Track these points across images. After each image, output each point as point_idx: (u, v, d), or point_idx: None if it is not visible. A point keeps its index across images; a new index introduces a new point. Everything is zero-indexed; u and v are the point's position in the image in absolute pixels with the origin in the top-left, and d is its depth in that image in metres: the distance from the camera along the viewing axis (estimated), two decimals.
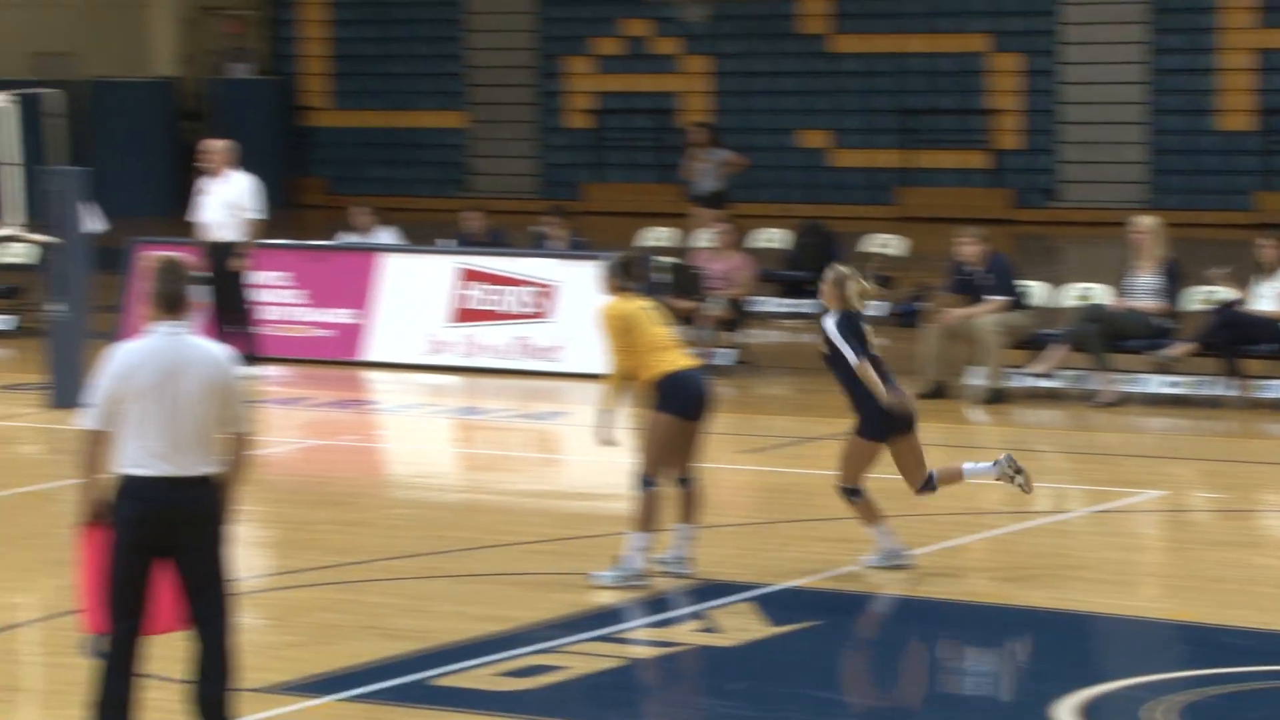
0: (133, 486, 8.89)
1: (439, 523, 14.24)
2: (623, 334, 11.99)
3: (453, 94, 37.88)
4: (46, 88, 20.93)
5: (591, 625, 11.38)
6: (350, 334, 20.64)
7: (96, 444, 8.94)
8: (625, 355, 12.01)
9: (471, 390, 19.71)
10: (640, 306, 12.12)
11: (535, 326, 20.20)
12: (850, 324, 12.21)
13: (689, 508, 12.32)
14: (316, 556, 13.13)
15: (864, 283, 12.44)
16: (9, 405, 18.67)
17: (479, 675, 10.46)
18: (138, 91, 36.63)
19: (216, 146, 19.94)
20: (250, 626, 11.03)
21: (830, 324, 12.24)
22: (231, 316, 19.41)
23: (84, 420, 8.96)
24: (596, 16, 36.87)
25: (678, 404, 12.03)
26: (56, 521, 13.44)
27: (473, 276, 20.50)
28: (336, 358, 20.53)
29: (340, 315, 20.70)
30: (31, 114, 20.35)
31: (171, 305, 8.94)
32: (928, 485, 12.53)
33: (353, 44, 38.44)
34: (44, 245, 18.81)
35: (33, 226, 19.39)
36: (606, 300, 12.14)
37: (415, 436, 17.94)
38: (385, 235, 21.79)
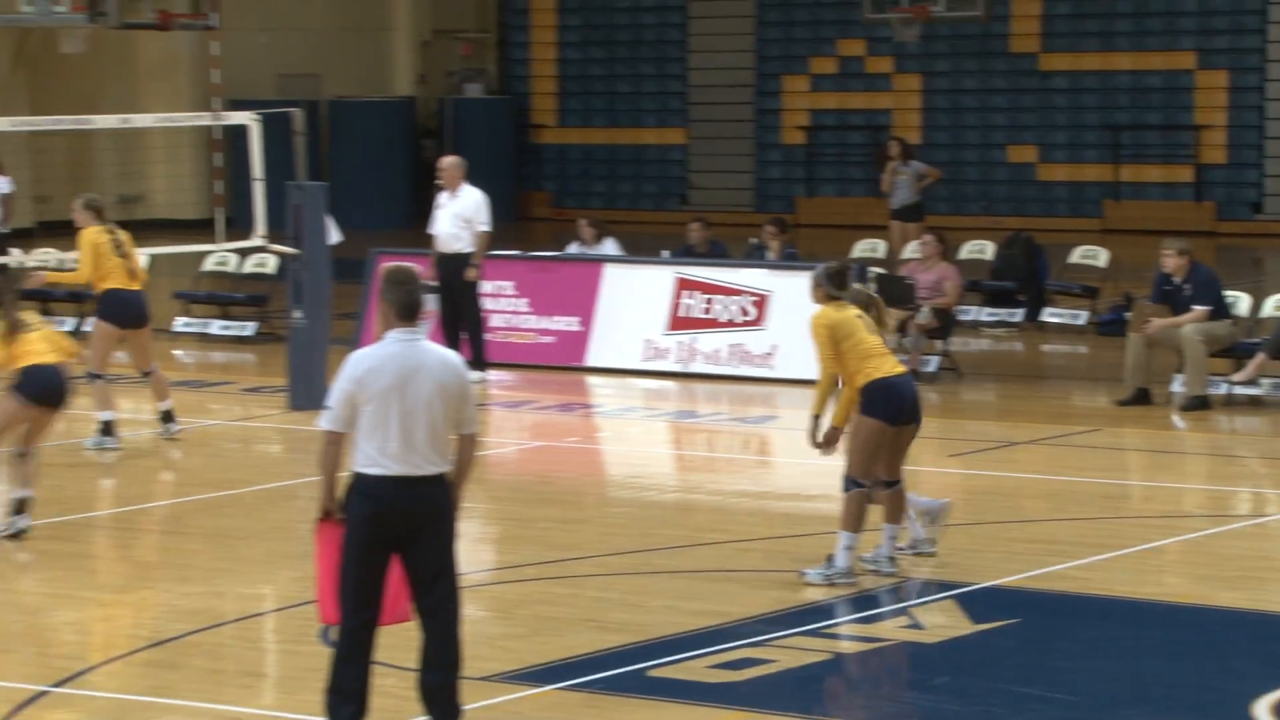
0: (366, 485, 9.01)
1: (654, 521, 14.27)
2: (833, 342, 11.94)
3: (674, 112, 37.98)
4: (291, 107, 21.22)
5: (800, 621, 11.36)
6: (572, 341, 20.77)
7: (334, 445, 9.08)
8: (836, 362, 11.98)
9: (687, 395, 19.75)
10: (851, 315, 12.06)
11: (749, 334, 20.19)
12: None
13: (894, 509, 12.27)
14: (538, 552, 13.22)
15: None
16: (252, 407, 18.99)
17: (692, 667, 10.47)
18: (377, 110, 37.10)
19: (449, 163, 20.09)
20: (475, 618, 11.14)
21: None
22: (465, 325, 19.60)
23: (323, 422, 9.10)
24: (814, 37, 36.81)
25: (886, 409, 11.99)
26: (295, 516, 13.66)
27: (689, 286, 20.54)
28: (559, 363, 20.66)
29: (563, 323, 20.83)
30: (276, 132, 20.65)
31: (406, 313, 9.07)
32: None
33: (580, 65, 38.67)
34: (286, 256, 19.09)
35: (276, 238, 19.68)
36: (818, 309, 12.11)
37: (633, 439, 18.00)
38: (609, 246, 21.90)
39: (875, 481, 12.15)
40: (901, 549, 12.41)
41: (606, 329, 20.72)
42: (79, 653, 11.14)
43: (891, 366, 12.07)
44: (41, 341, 13.47)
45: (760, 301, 20.24)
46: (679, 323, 20.45)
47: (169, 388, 16.94)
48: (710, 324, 20.34)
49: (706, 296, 20.44)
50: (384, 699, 9.34)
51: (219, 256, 23.56)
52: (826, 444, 12.15)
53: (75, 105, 31.43)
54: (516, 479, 15.98)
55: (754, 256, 21.62)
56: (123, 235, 16.57)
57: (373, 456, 8.97)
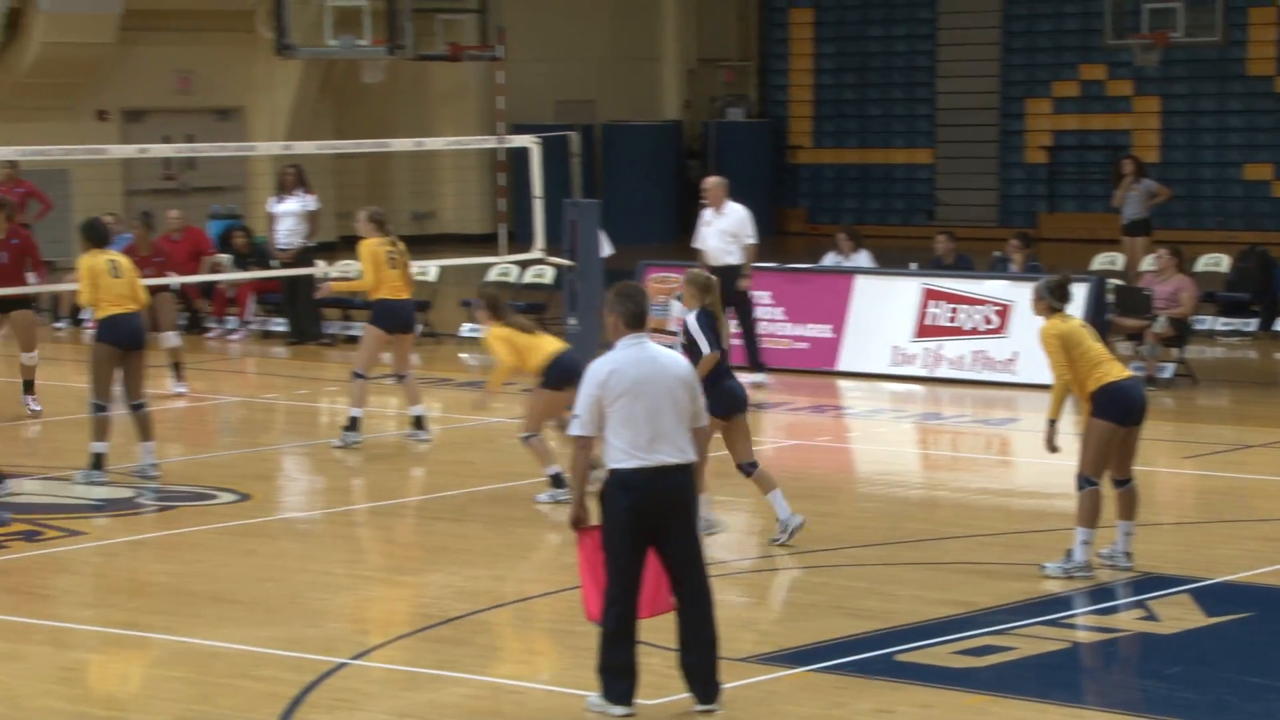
0: (623, 478, 9.07)
1: (901, 515, 14.19)
2: (1064, 350, 11.80)
3: (922, 133, 37.72)
4: (568, 131, 21.45)
5: (1039, 611, 11.23)
6: (825, 346, 20.72)
7: (585, 449, 9.17)
8: (1067, 369, 11.81)
9: (932, 398, 19.60)
10: (1076, 325, 11.93)
11: (992, 341, 20.00)
12: (708, 320, 12.63)
13: (1127, 506, 12.06)
14: (792, 542, 13.20)
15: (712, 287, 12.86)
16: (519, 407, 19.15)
17: (936, 653, 10.40)
18: (646, 133, 37.31)
19: (713, 182, 20.11)
20: (733, 603, 11.18)
21: (691, 320, 12.63)
22: (740, 331, 19.60)
23: (574, 429, 9.20)
24: (1056, 62, 36.34)
25: (1117, 412, 11.81)
26: (553, 509, 13.81)
27: (936, 296, 20.40)
28: (812, 367, 20.62)
29: (817, 330, 20.78)
30: (554, 154, 20.88)
31: (634, 322, 9.20)
32: (751, 468, 12.74)
33: (834, 90, 38.56)
34: (562, 267, 19.28)
35: (553, 251, 19.89)
36: (1047, 320, 11.94)
37: (881, 439, 17.90)
38: (861, 258, 21.83)
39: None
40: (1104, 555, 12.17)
41: (857, 336, 20.65)
42: (376, 628, 11.35)
43: (1120, 371, 11.91)
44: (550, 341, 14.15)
45: (1003, 311, 20.04)
46: (925, 330, 20.32)
47: (420, 394, 17.04)
48: (955, 331, 20.19)
49: (952, 306, 20.29)
50: (649, 676, 9.40)
51: (501, 267, 23.85)
52: (1049, 440, 11.96)
53: (374, 130, 32.09)
54: (774, 475, 15.94)
55: (998, 268, 21.42)
56: (400, 248, 16.74)
57: (627, 450, 9.05)
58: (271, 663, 10.28)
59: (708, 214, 19.87)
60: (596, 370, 9.17)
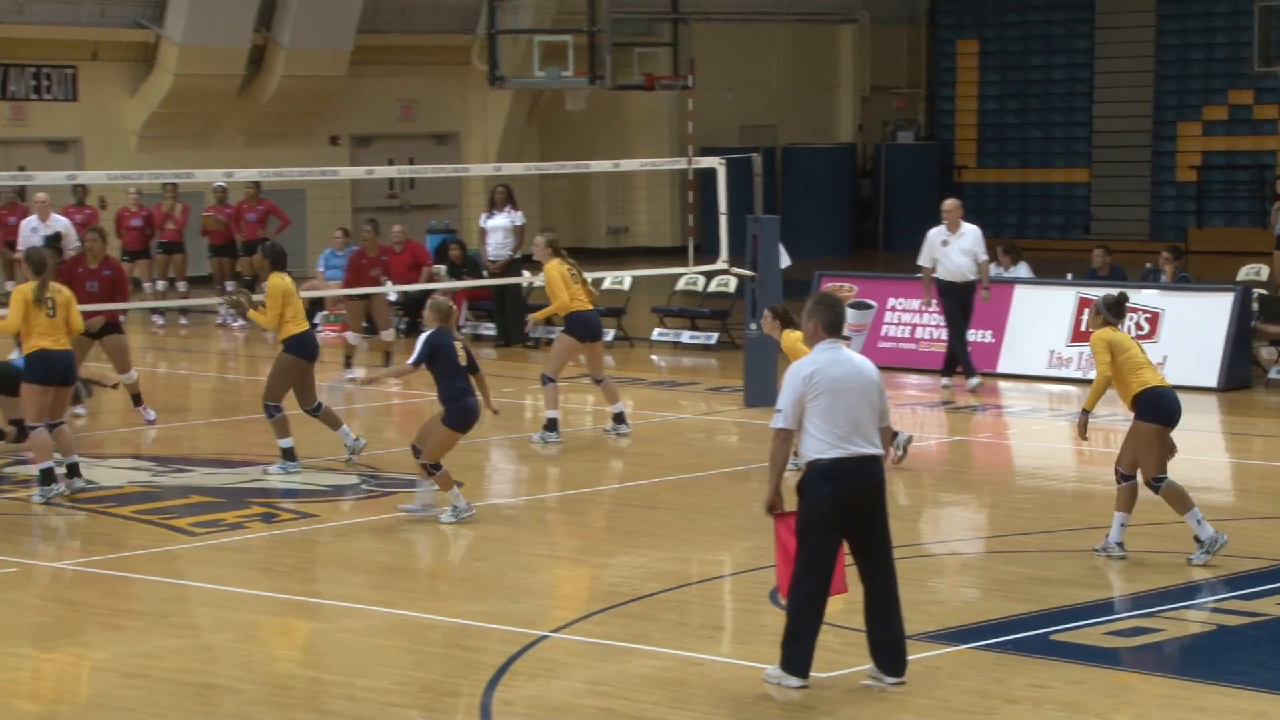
0: (825, 468, 9.08)
1: (1056, 506, 13.97)
2: (1109, 352, 11.90)
3: (1080, 154, 37.16)
4: (751, 153, 21.38)
5: (1185, 596, 11.07)
6: (986, 350, 20.47)
7: (785, 442, 9.22)
8: (1110, 368, 11.88)
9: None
10: (1125, 335, 12.06)
11: (1144, 346, 19.57)
12: (438, 338, 12.98)
13: (1127, 501, 11.96)
14: (954, 530, 13.08)
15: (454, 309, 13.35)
16: (714, 404, 19.18)
17: (1089, 633, 10.25)
18: (822, 155, 37.13)
19: (951, 205, 19.80)
20: (901, 585, 11.06)
21: (423, 336, 13.08)
22: (950, 338, 19.42)
23: (776, 422, 9.21)
24: (1206, 88, 35.63)
25: (1160, 414, 11.86)
26: (749, 496, 13.77)
27: (1090, 304, 20.01)
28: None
29: (978, 335, 20.53)
30: (738, 174, 20.82)
31: (833, 328, 9.25)
32: (435, 469, 13.06)
33: (997, 114, 38.12)
34: (744, 278, 19.23)
35: (736, 262, 19.83)
36: (1099, 330, 12.04)
37: (1038, 435, 17.64)
38: (1021, 270, 21.56)
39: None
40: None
41: (1016, 341, 20.39)
42: (572, 605, 11.39)
43: (1157, 378, 12.00)
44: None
45: (1154, 318, 19.69)
46: (1080, 336, 19.95)
47: (619, 393, 17.07)
48: None
49: None
50: (822, 652, 9.35)
51: (689, 277, 23.86)
52: (1082, 428, 12.18)
53: (575, 152, 32.23)
54: (938, 468, 15.82)
55: (1149, 279, 21.04)
56: (576, 265, 16.73)
57: (828, 443, 9.08)
58: (479, 634, 10.36)
59: (941, 233, 19.46)
60: (798, 371, 9.23)
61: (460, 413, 13.06)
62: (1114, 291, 12.42)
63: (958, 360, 19.58)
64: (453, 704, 9.22)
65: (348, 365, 20.78)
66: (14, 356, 15.99)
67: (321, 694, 9.51)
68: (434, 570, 12.05)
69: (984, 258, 19.43)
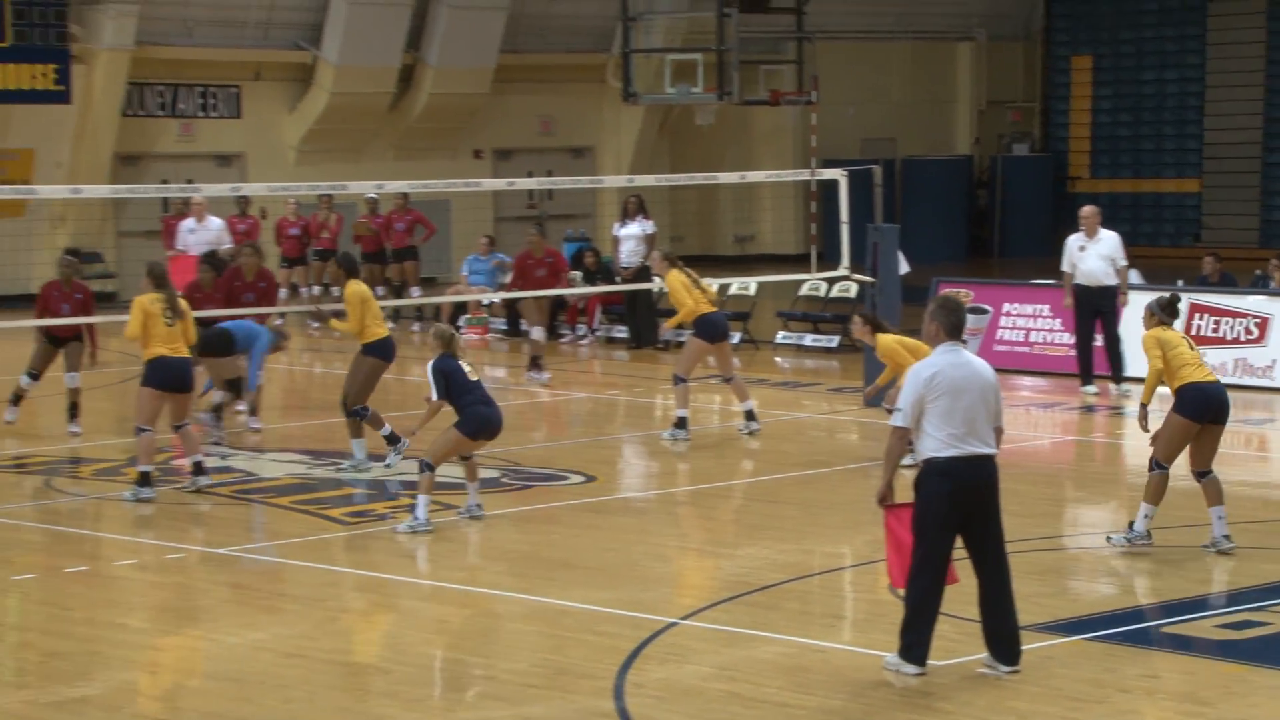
0: (942, 466, 9.01)
1: (1169, 504, 13.54)
2: (1159, 348, 11.83)
3: (1190, 165, 36.57)
4: (872, 165, 21.25)
5: None
6: (1101, 353, 20.11)
7: (902, 440, 9.16)
8: (1161, 362, 11.82)
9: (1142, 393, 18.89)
10: (1175, 334, 11.98)
11: (1253, 350, 19.30)
12: (444, 364, 12.57)
13: (1214, 494, 11.86)
14: (1064, 526, 12.93)
15: (459, 337, 13.18)
16: (835, 403, 19.07)
17: (1200, 626, 10.09)
18: (940, 167, 36.83)
19: (1089, 211, 19.29)
20: (1015, 578, 10.93)
21: (429, 366, 12.65)
22: (1107, 344, 19.01)
23: (896, 420, 9.15)
24: None
25: (1193, 409, 11.75)
26: (869, 491, 13.63)
27: (1201, 310, 19.76)
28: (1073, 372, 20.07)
29: (1094, 339, 20.23)
30: (859, 185, 20.70)
31: (954, 332, 9.17)
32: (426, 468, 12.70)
33: (1110, 127, 37.61)
34: (865, 283, 19.11)
35: (857, 269, 19.73)
36: (1152, 329, 11.98)
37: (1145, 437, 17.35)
38: (1133, 276, 21.19)
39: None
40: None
41: (1129, 345, 20.03)
42: (700, 593, 11.38)
43: (1204, 374, 11.86)
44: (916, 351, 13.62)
45: (1263, 323, 19.34)
46: (1192, 340, 19.61)
47: (748, 391, 17.01)
48: (1219, 341, 19.52)
49: (1215, 318, 19.63)
50: (939, 640, 9.27)
51: (812, 283, 23.77)
52: (1142, 421, 12.16)
53: (704, 164, 32.24)
54: (1050, 467, 15.63)
55: (1258, 285, 20.66)
56: (692, 273, 16.62)
57: (946, 441, 9.01)
58: (612, 620, 10.37)
59: (1079, 239, 19.02)
60: (918, 372, 9.16)
61: (474, 420, 12.69)
62: (1166, 294, 12.39)
63: (1095, 364, 19.03)
64: (587, 685, 9.24)
65: (535, 366, 20.36)
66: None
67: (464, 675, 9.57)
68: (568, 559, 12.10)
69: (1123, 263, 18.99)
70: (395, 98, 31.78)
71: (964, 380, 9.07)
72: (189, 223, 23.35)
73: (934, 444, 9.03)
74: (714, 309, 16.61)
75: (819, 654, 9.70)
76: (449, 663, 9.79)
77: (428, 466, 12.73)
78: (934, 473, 9.02)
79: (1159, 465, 11.92)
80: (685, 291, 16.40)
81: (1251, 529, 12.59)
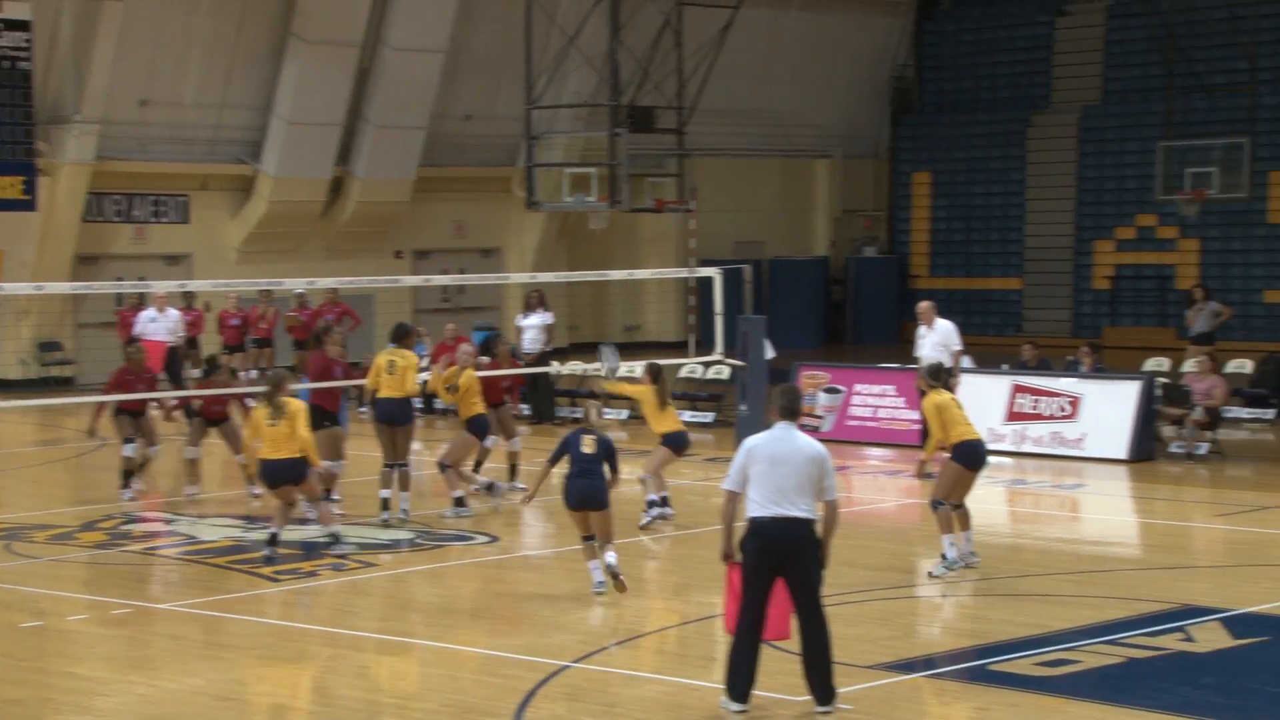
0: (756, 525, 9.02)
1: (994, 557, 13.82)
2: (937, 414, 12.49)
3: (1013, 265, 37.18)
4: (742, 264, 21.41)
5: (1101, 633, 10.91)
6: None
7: (731, 501, 9.14)
8: (939, 429, 12.51)
9: (1019, 468, 19.19)
10: (948, 398, 12.61)
11: (1066, 425, 19.58)
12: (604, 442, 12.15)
13: (966, 520, 12.77)
14: (908, 577, 12.98)
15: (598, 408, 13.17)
16: (710, 471, 19.09)
17: (1020, 664, 10.14)
18: (801, 266, 37.18)
19: (925, 306, 19.18)
20: (864, 623, 10.97)
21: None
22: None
23: (725, 484, 9.17)
24: (1118, 212, 35.69)
25: (967, 460, 12.56)
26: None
27: (1022, 390, 20.03)
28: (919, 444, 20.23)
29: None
30: (731, 282, 20.86)
31: (785, 413, 9.19)
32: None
33: (946, 232, 38.16)
34: (736, 366, 19.19)
35: (729, 354, 19.81)
36: (929, 395, 12.62)
37: (978, 499, 17.48)
38: (965, 361, 21.44)
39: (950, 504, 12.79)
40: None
41: None
42: (591, 639, 11.23)
43: (972, 433, 12.62)
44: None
45: (1074, 401, 19.64)
46: (1014, 416, 19.95)
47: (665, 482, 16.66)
48: (1037, 417, 19.79)
49: (1035, 397, 19.91)
50: (789, 679, 9.24)
51: (690, 367, 23.84)
52: (921, 474, 13.33)
53: (597, 263, 32.34)
54: (894, 525, 15.71)
55: (1070, 369, 20.98)
56: (665, 388, 15.74)
57: (760, 504, 9.00)
58: (512, 664, 10.27)
59: (922, 329, 19.04)
60: (747, 444, 9.16)
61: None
62: (934, 361, 13.13)
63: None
64: None
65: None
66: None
67: (381, 714, 9.42)
68: (476, 610, 11.97)
69: (957, 347, 19.11)
70: (326, 205, 31.65)
71: (783, 454, 9.03)
72: (149, 312, 23.04)
73: (752, 506, 9.06)
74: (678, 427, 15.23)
75: (694, 692, 9.65)
76: (367, 704, 9.64)
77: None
78: (750, 531, 9.04)
79: (939, 504, 12.66)
80: (654, 402, 15.06)
81: (1064, 579, 12.72)
